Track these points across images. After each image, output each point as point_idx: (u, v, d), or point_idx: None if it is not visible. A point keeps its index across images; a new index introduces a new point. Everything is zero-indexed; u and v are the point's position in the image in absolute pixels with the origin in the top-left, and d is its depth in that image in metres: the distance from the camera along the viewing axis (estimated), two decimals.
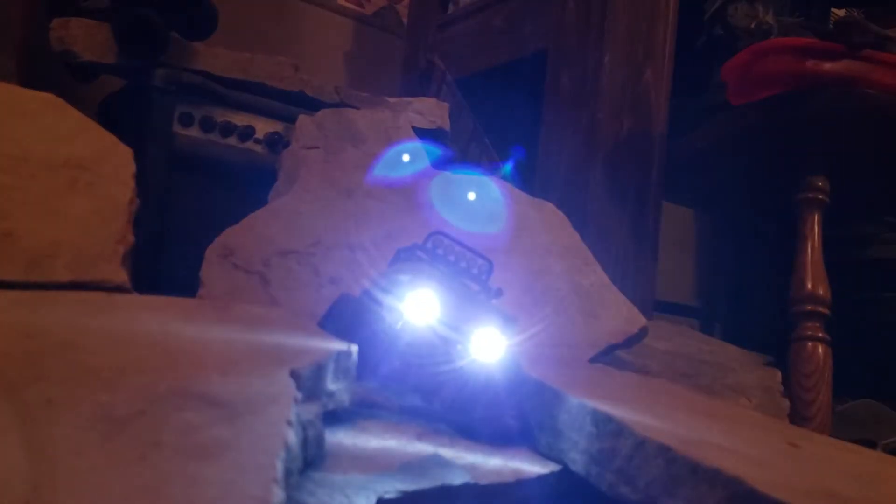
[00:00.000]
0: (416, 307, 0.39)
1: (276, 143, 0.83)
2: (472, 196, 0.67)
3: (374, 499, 0.27)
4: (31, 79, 0.88)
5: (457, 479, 0.30)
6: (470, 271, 0.45)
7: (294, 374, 0.28)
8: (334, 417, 0.34)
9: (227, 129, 0.81)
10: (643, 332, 0.65)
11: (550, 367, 0.43)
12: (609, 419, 0.32)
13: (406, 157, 0.71)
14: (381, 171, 0.70)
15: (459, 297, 0.40)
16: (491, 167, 1.03)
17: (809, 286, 0.87)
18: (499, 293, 0.44)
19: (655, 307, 1.07)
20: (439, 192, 0.68)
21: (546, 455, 0.36)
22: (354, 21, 1.51)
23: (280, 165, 0.74)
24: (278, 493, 0.19)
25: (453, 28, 1.29)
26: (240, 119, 0.82)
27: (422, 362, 0.38)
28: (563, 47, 1.05)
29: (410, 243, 0.46)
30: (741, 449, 0.34)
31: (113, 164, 0.51)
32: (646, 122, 1.01)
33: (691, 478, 0.28)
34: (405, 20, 1.50)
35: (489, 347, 0.38)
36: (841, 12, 1.13)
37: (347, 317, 0.43)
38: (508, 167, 0.96)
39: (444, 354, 0.38)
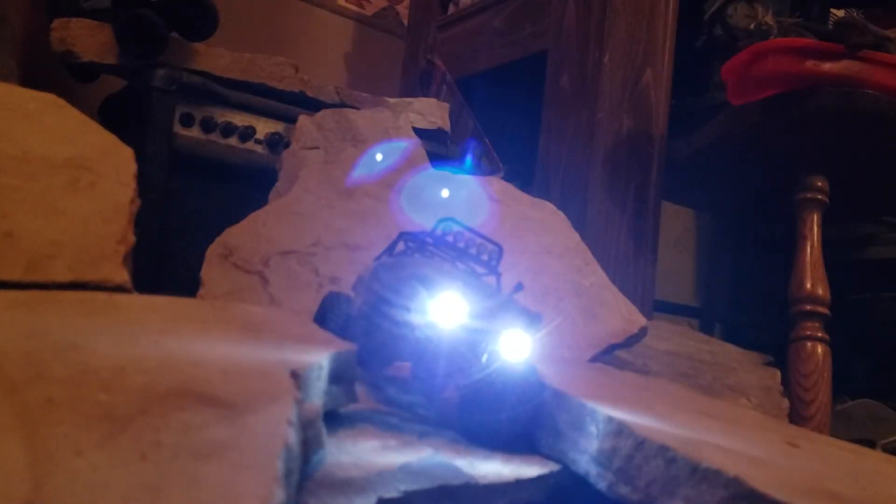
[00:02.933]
0: (441, 313, 0.37)
1: (276, 144, 0.83)
2: (445, 193, 0.67)
3: (374, 499, 0.27)
4: (31, 79, 0.88)
5: (457, 479, 0.30)
6: (479, 257, 0.45)
7: (294, 374, 0.28)
8: (335, 417, 0.34)
9: (228, 130, 0.81)
10: (643, 332, 0.65)
11: (550, 367, 0.43)
12: (609, 419, 0.33)
13: (401, 158, 0.72)
14: (380, 170, 0.70)
15: (479, 294, 0.39)
16: (491, 167, 1.03)
17: (809, 286, 0.87)
18: (519, 287, 0.42)
19: (655, 307, 1.07)
20: (434, 191, 0.68)
21: (546, 455, 0.36)
22: (355, 22, 1.51)
23: (280, 166, 0.74)
24: (279, 493, 0.19)
25: (453, 29, 1.29)
26: (240, 119, 0.82)
27: (448, 370, 0.36)
28: (563, 48, 1.05)
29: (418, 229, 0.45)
30: (741, 449, 0.34)
31: (114, 164, 0.51)
32: (646, 122, 1.01)
33: (691, 478, 0.28)
34: (405, 21, 1.50)
35: (515, 347, 0.36)
36: (840, 13, 1.14)
37: (344, 317, 0.42)
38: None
39: (472, 359, 0.36)
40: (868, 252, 1.43)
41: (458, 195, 0.68)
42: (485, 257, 0.45)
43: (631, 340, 0.64)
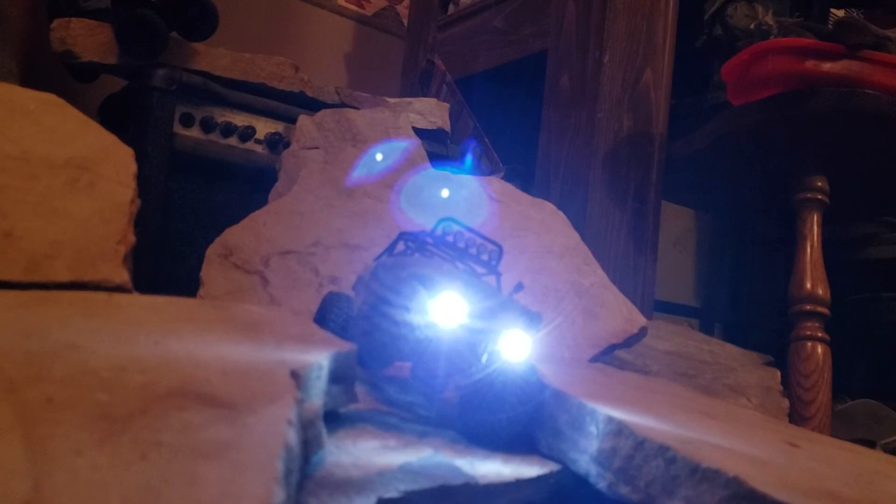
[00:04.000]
0: (441, 313, 0.37)
1: (276, 144, 0.83)
2: (445, 193, 0.67)
3: (374, 499, 0.27)
4: (31, 79, 0.88)
5: (457, 479, 0.30)
6: (479, 257, 0.45)
7: (294, 374, 0.28)
8: (335, 417, 0.34)
9: (228, 130, 0.81)
10: (643, 332, 0.65)
11: (550, 367, 0.43)
12: (609, 419, 0.33)
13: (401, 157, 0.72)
14: (380, 170, 0.70)
15: (479, 294, 0.38)
16: (491, 167, 1.03)
17: (809, 286, 0.87)
18: (519, 287, 0.42)
19: (655, 307, 1.07)
20: (433, 191, 0.68)
21: (546, 455, 0.36)
22: (355, 21, 1.51)
23: (280, 166, 0.74)
24: (279, 493, 0.19)
25: (453, 28, 1.29)
26: (240, 119, 0.82)
27: (448, 370, 0.36)
28: (562, 47, 1.05)
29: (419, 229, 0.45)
30: (741, 449, 0.34)
31: (114, 164, 0.51)
32: (646, 122, 1.01)
33: (691, 478, 0.28)
34: (405, 21, 1.50)
35: (515, 347, 0.36)
36: (840, 13, 1.14)
37: (344, 317, 0.42)
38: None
39: (472, 359, 0.36)
40: (868, 252, 1.43)
41: (458, 195, 0.68)
42: (485, 257, 0.45)
43: (631, 340, 0.64)
